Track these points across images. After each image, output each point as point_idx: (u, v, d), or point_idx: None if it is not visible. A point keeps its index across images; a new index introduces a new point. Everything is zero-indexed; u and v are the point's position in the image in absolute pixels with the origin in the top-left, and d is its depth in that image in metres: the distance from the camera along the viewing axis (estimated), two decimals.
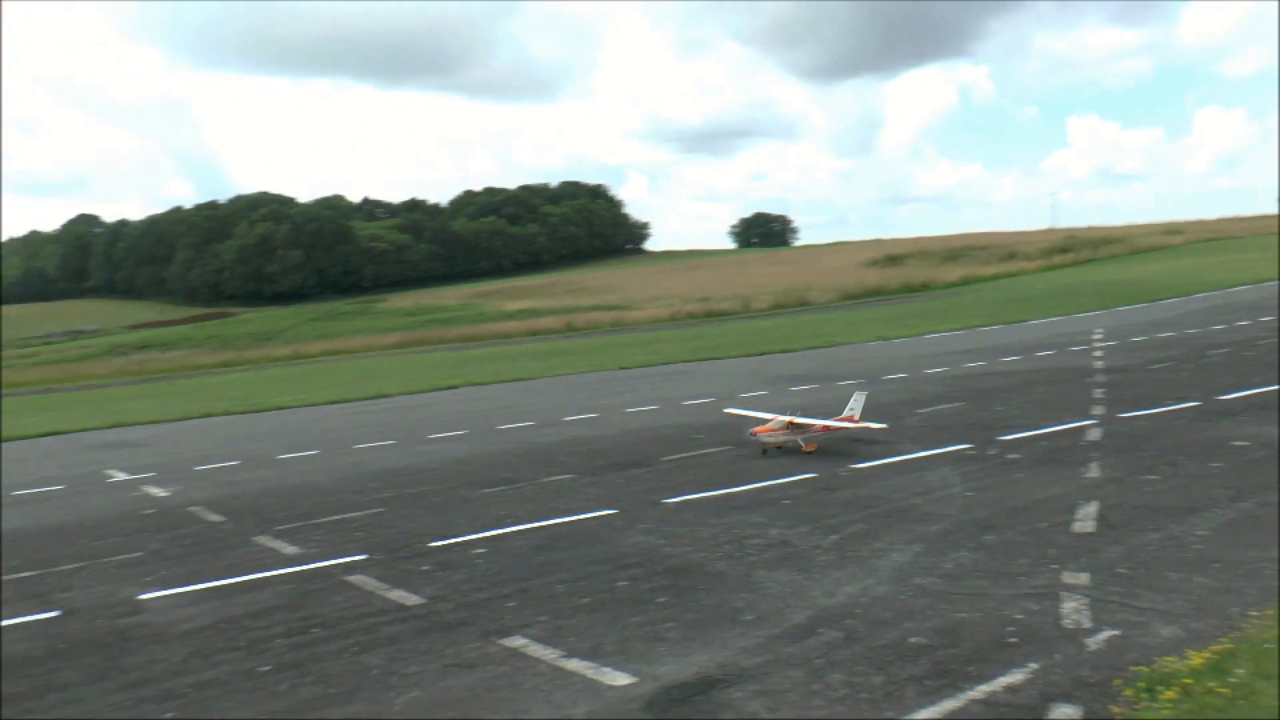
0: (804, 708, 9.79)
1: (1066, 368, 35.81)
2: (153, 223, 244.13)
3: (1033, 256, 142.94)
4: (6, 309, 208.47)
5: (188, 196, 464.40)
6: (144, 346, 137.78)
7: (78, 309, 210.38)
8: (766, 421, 23.43)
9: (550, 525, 18.18)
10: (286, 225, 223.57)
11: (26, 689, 12.21)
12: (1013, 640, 11.06)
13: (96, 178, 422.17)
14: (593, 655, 11.58)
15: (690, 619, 12.63)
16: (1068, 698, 9.52)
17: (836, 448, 23.15)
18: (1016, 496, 17.75)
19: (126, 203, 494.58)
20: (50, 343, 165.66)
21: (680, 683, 10.63)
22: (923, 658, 10.78)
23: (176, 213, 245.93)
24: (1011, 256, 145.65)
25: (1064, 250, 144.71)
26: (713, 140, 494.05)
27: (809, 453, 22.78)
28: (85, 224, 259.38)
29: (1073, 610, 11.82)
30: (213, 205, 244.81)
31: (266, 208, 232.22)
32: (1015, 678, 10.07)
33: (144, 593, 16.06)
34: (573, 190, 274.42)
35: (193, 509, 22.78)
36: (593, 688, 10.70)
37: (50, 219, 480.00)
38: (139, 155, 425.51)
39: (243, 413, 46.06)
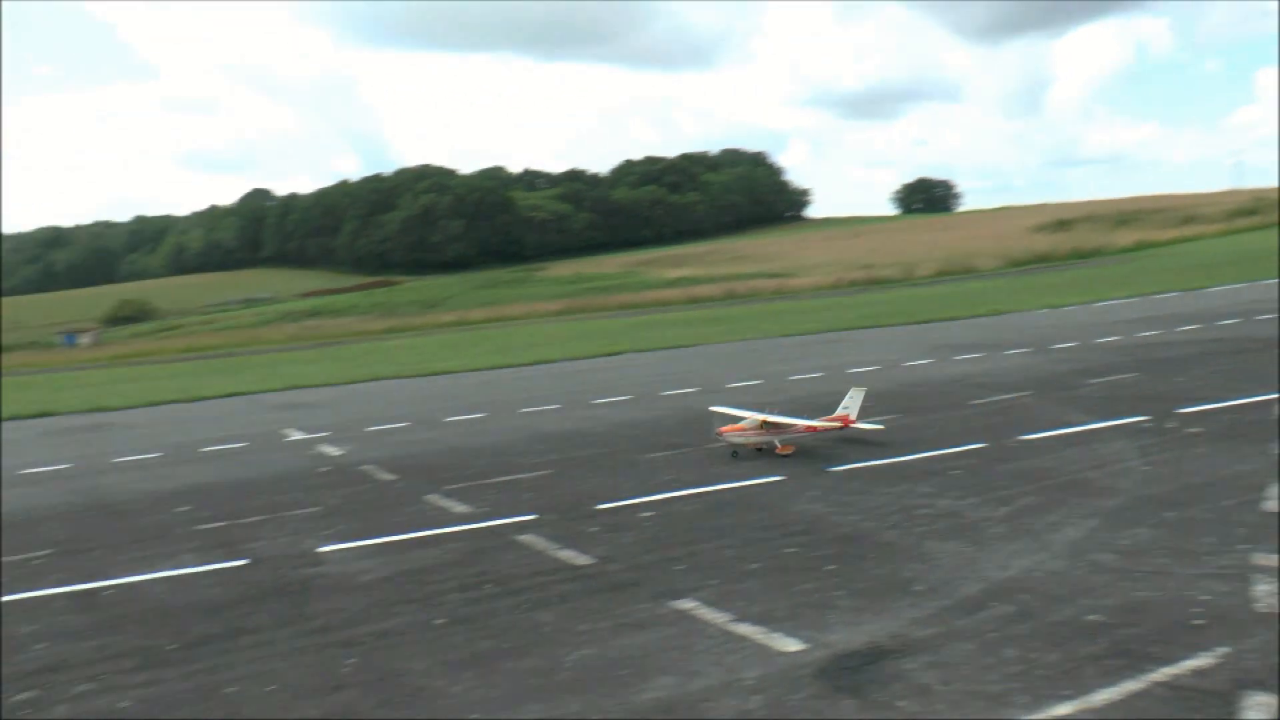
0: (978, 681, 9.61)
1: (1252, 337, 34.03)
2: (321, 196, 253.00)
3: (1214, 220, 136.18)
4: (191, 278, 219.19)
5: (354, 170, 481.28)
6: (314, 313, 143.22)
7: (253, 278, 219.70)
8: (741, 420, 21.19)
9: (717, 490, 18.26)
10: (449, 196, 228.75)
11: (224, 629, 12.97)
12: (1199, 622, 10.61)
13: (269, 154, 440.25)
14: (763, 620, 11.59)
15: (860, 587, 12.54)
16: (1263, 685, 9.06)
17: (825, 450, 21.06)
18: (1199, 472, 17.00)
19: (297, 177, 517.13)
20: (228, 310, 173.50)
21: (851, 651, 10.56)
22: (1101, 636, 10.44)
23: (344, 186, 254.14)
24: (1190, 220, 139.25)
25: (1249, 213, 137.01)
26: (875, 104, 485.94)
27: (784, 455, 20.60)
28: (259, 198, 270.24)
29: (1266, 593, 11.26)
30: (378, 178, 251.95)
31: (429, 179, 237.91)
32: (1202, 661, 9.65)
33: (323, 545, 16.80)
34: (733, 158, 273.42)
35: (366, 467, 23.64)
36: (764, 653, 10.72)
37: (227, 194, 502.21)
38: (308, 132, 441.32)
39: (410, 376, 47.41)
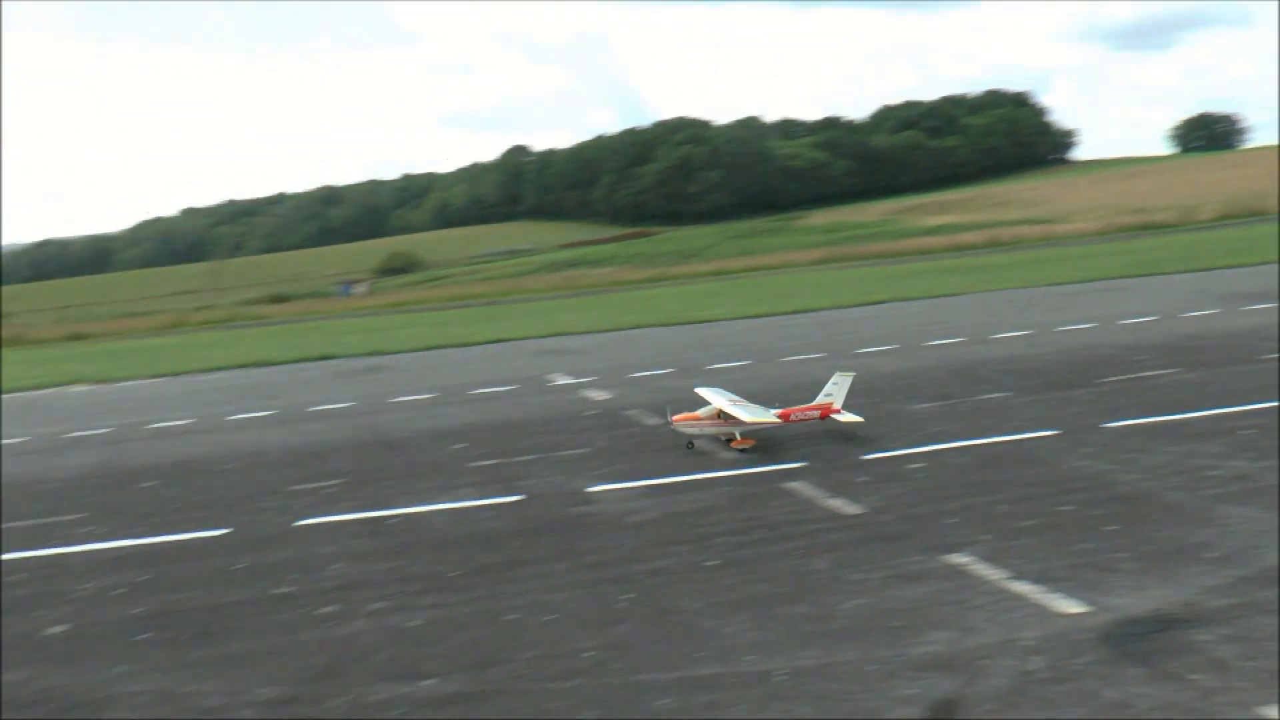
0: None
1: None
2: (579, 150, 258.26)
3: None
4: (455, 231, 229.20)
5: (610, 124, 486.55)
6: (574, 264, 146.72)
7: (514, 230, 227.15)
8: (729, 409, 18.78)
9: (988, 444, 17.84)
10: (705, 147, 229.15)
11: (503, 560, 13.72)
12: None
13: (528, 112, 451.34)
14: (1041, 579, 11.27)
15: (1145, 550, 12.00)
16: None
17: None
18: None
19: (555, 133, 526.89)
20: (491, 260, 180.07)
21: (1137, 617, 10.12)
22: None
23: (600, 140, 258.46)
24: None
25: None
26: (1150, 34, 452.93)
27: (743, 449, 18.59)
28: (518, 154, 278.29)
29: None
30: (634, 131, 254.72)
31: (685, 131, 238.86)
32: None
33: (592, 485, 17.39)
34: (994, 99, 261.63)
35: (630, 412, 24.15)
36: (1042, 613, 10.41)
37: (488, 151, 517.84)
38: (565, 89, 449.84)
39: (671, 325, 47.86)
